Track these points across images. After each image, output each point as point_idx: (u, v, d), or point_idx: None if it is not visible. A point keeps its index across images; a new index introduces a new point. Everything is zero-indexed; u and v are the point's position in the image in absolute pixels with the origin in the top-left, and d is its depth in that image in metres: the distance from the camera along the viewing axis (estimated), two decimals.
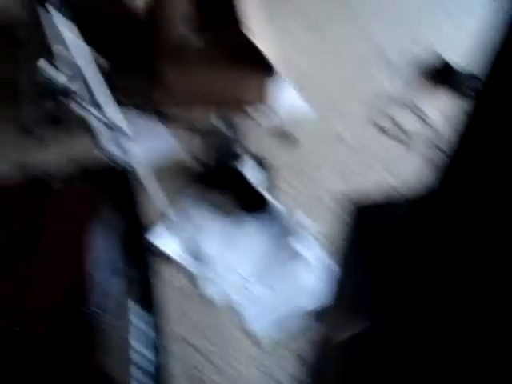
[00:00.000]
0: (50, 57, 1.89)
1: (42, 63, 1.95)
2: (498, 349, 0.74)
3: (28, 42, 2.32)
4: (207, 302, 2.08)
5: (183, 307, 2.04)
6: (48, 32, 1.77)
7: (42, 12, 1.71)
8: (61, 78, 2.03)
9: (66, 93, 1.92)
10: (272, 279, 2.17)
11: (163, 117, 2.78)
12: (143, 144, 2.28)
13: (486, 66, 0.76)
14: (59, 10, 1.71)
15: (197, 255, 2.19)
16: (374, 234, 0.86)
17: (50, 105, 2.21)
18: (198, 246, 2.21)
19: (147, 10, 3.02)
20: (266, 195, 2.40)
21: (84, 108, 1.83)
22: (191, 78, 2.78)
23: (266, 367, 1.92)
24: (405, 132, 2.94)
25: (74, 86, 1.80)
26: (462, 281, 0.80)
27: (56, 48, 1.79)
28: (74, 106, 1.84)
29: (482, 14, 2.89)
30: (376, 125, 2.96)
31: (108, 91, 1.89)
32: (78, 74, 1.79)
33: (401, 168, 2.69)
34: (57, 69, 1.87)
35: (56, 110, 2.25)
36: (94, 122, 1.87)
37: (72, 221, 1.02)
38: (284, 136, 2.82)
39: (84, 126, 1.91)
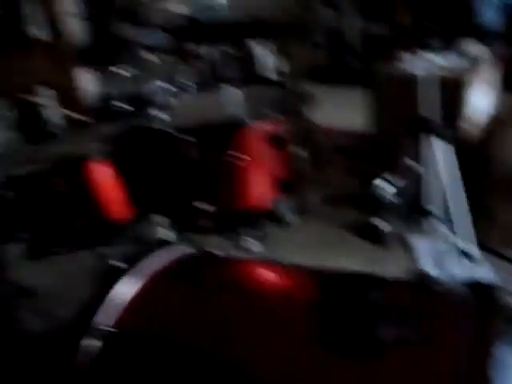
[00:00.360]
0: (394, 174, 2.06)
1: (386, 179, 2.13)
2: None
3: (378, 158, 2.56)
4: None
5: None
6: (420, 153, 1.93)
7: (420, 135, 1.88)
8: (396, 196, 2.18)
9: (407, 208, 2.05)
10: None
11: (488, 250, 2.74)
12: (467, 270, 2.27)
13: None
14: (438, 134, 1.86)
15: None
16: None
17: (393, 218, 2.37)
18: None
19: (481, 142, 3.09)
20: None
21: (432, 226, 1.93)
22: None
23: None
24: None
25: (428, 205, 1.92)
26: None
27: (422, 168, 1.94)
28: (423, 221, 1.95)
29: None
30: None
31: (465, 215, 1.94)
32: (441, 196, 1.90)
33: None
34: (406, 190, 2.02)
35: (398, 225, 2.39)
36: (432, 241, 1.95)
37: (463, 326, 1.05)
38: None
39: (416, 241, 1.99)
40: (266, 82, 2.77)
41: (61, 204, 1.65)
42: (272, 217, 1.66)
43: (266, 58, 3.57)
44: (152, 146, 1.71)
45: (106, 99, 2.89)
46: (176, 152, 1.63)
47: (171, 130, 1.66)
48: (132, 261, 1.49)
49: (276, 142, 1.59)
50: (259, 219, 1.67)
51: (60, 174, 1.62)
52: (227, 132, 1.59)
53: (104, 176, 1.68)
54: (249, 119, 1.60)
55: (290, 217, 1.65)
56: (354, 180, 2.86)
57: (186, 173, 1.63)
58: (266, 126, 1.58)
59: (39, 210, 1.71)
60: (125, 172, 1.70)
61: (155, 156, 1.71)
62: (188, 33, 3.32)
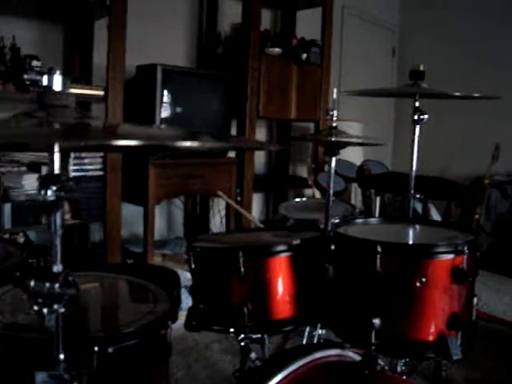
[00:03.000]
0: None
1: None
2: None
3: None
4: None
5: None
6: None
7: None
8: None
9: None
10: None
11: None
12: None
13: None
14: None
15: None
16: None
17: None
18: None
19: None
20: None
21: None
22: None
23: None
24: None
25: None
26: None
27: None
28: None
29: None
30: None
31: None
32: None
33: None
34: None
35: None
36: None
37: None
38: None
39: None
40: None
41: (236, 284, 1.74)
42: (438, 351, 1.62)
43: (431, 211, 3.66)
44: (333, 253, 1.79)
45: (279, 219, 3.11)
46: (359, 262, 1.70)
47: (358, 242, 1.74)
48: (289, 357, 1.53)
49: (457, 275, 1.61)
50: (424, 351, 1.64)
51: (245, 255, 1.72)
52: (415, 257, 1.65)
53: (281, 271, 1.76)
54: (436, 249, 1.65)
55: (456, 353, 1.60)
56: None
57: (363, 285, 1.69)
58: (451, 258, 1.63)
59: (215, 284, 1.82)
60: (301, 272, 1.78)
61: (334, 262, 1.79)
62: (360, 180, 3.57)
